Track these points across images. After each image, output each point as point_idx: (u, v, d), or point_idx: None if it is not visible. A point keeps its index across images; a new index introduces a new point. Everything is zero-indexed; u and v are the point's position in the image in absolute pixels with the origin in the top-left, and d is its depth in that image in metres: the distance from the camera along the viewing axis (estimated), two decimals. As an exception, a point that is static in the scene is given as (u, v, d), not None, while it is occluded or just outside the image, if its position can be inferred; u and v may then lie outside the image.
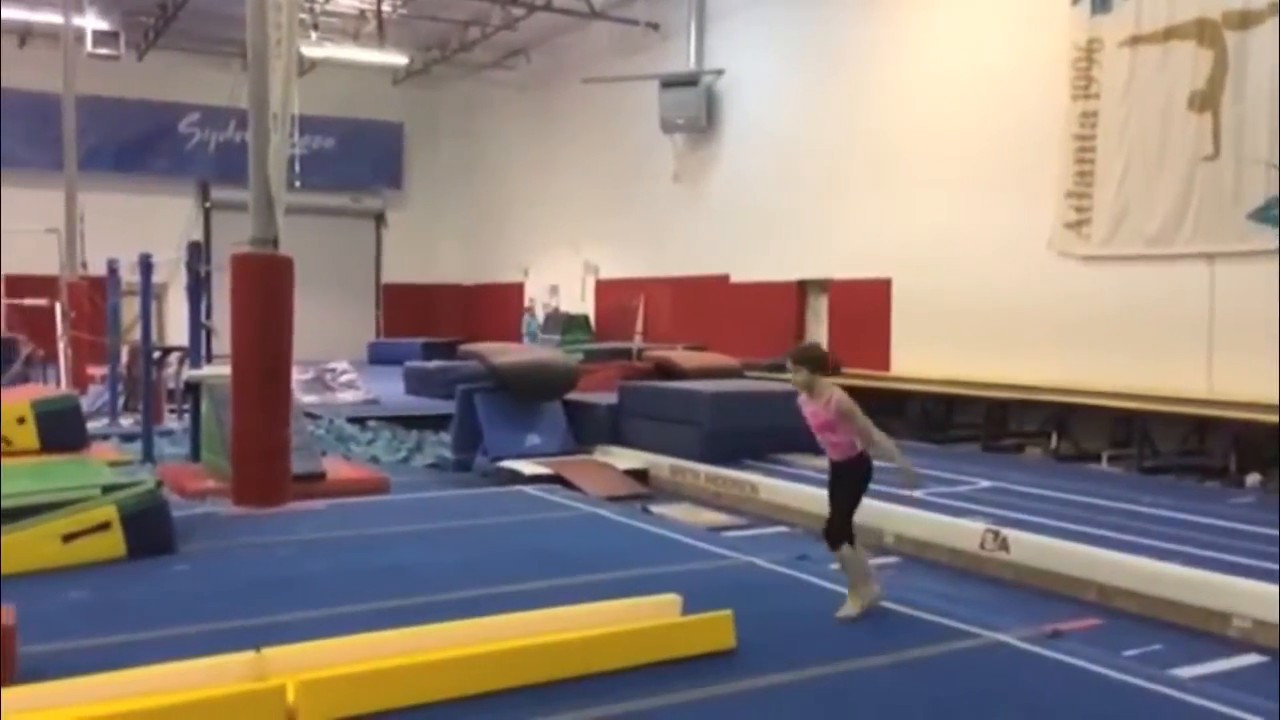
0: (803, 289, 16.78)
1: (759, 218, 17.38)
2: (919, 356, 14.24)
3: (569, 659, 3.98)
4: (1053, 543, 6.69)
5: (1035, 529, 7.00)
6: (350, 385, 15.77)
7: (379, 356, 24.01)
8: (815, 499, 8.26)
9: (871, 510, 7.70)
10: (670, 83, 18.57)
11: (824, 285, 16.38)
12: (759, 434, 10.03)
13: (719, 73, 18.34)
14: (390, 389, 16.46)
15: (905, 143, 14.72)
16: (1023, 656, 4.50)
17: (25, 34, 22.04)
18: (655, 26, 19.65)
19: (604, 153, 21.50)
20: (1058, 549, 6.59)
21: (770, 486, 8.86)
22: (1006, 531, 6.90)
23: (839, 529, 4.92)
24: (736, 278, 17.91)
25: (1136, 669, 4.43)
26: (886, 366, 14.71)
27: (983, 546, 6.94)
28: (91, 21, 19.38)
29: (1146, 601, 5.96)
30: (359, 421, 13.19)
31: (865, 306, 15.23)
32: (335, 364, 16.42)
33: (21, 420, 7.53)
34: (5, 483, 6.10)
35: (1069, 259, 12.45)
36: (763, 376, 12.54)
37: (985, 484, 9.00)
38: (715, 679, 4.06)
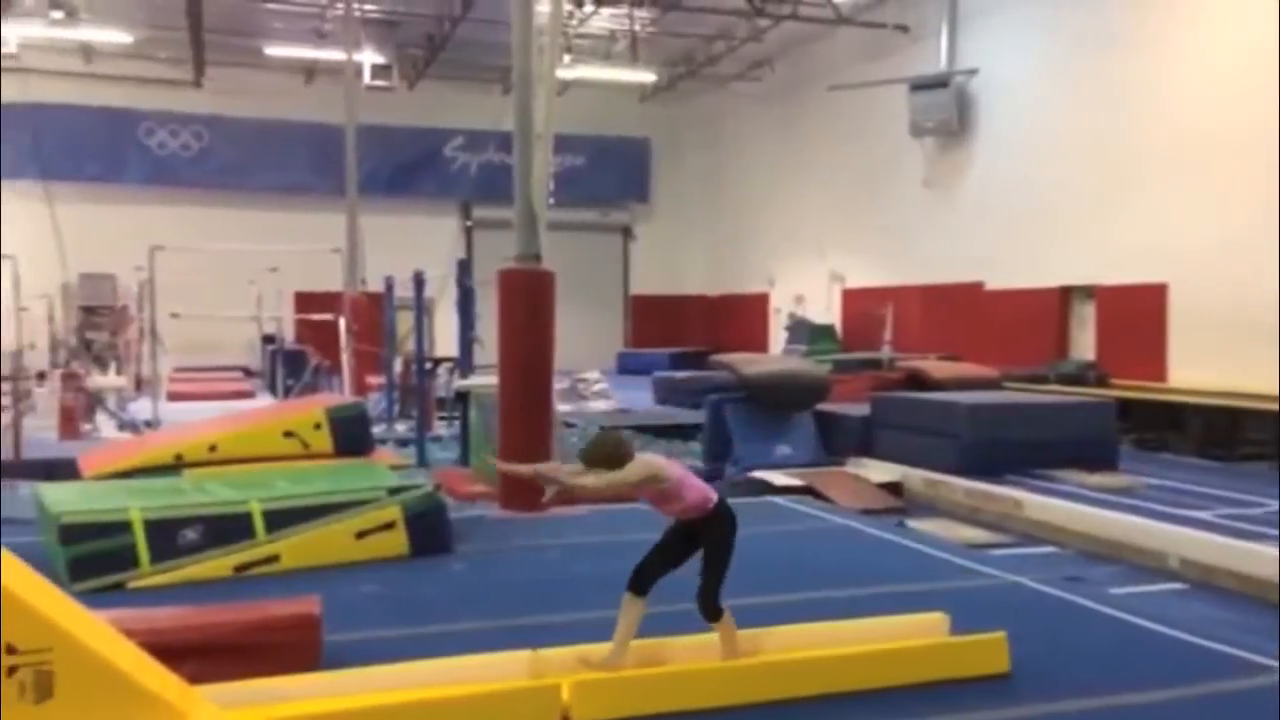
0: (1065, 295, 15.91)
1: (1016, 221, 16.62)
2: (1200, 366, 13.16)
3: (836, 674, 3.94)
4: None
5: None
6: (602, 394, 16.25)
7: (627, 366, 24.61)
8: (1087, 518, 7.86)
9: (1155, 532, 7.24)
10: (920, 85, 18.09)
11: (1089, 291, 15.46)
12: (1020, 447, 9.58)
13: (972, 73, 17.70)
14: (639, 398, 16.84)
15: (1179, 139, 13.68)
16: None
17: (310, 71, 24.10)
18: (904, 29, 19.20)
19: (850, 159, 21.19)
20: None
21: (1036, 503, 8.43)
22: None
23: (713, 596, 4.10)
24: (992, 284, 17.19)
25: None
26: (1162, 377, 13.70)
27: (1282, 575, 6.34)
28: (369, 56, 20.97)
29: None
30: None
31: (1137, 313, 14.25)
32: (587, 373, 16.94)
33: (317, 426, 8.22)
34: (306, 483, 6.68)
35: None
36: (1023, 388, 11.98)
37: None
38: (990, 703, 3.91)
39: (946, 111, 17.77)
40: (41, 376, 15.93)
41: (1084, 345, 15.49)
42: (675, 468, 4.15)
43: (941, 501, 9.38)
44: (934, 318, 18.48)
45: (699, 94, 26.36)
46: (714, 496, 4.17)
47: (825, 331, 20.61)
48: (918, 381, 12.31)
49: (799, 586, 5.69)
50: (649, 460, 4.08)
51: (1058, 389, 12.92)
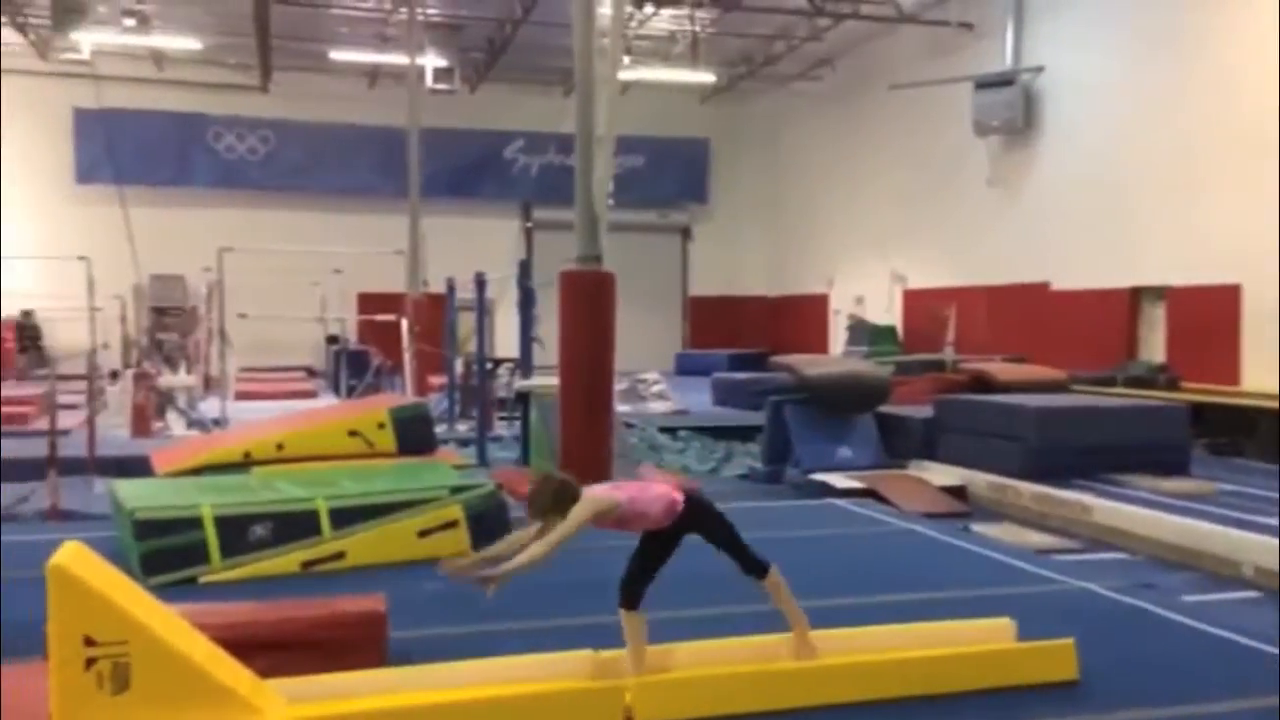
0: (1135, 296, 15.58)
1: (1083, 221, 16.32)
2: (1274, 369, 12.81)
3: (901, 678, 3.90)
4: None
5: None
6: (660, 395, 16.25)
7: (685, 368, 24.59)
8: (1158, 523, 7.69)
9: (1229, 539, 7.07)
10: (985, 84, 17.85)
11: (1159, 292, 15.14)
12: (1088, 452, 9.41)
13: (1038, 70, 17.42)
14: (697, 400, 16.82)
15: (1252, 136, 13.32)
16: None
17: (374, 75, 24.43)
18: (968, 26, 18.96)
19: (912, 159, 20.98)
20: None
21: (1106, 508, 8.27)
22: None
23: (750, 558, 4.13)
24: (1058, 285, 16.90)
25: None
26: (1235, 380, 13.36)
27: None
28: (431, 60, 21.20)
29: None
30: (670, 431, 13.56)
31: (1209, 315, 13.92)
32: (646, 374, 16.96)
33: (381, 425, 8.34)
34: (371, 481, 6.77)
35: None
36: (1091, 391, 11.76)
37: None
38: (1059, 711, 3.85)
39: (1012, 110, 17.51)
40: (114, 375, 16.33)
41: (1154, 347, 15.16)
42: (625, 489, 4.00)
43: (1007, 506, 9.25)
44: (998, 319, 18.21)
45: (758, 94, 26.26)
46: (680, 497, 4.01)
47: (886, 333, 20.41)
48: (982, 384, 12.15)
49: (862, 590, 5.64)
50: (593, 496, 3.89)
51: (1126, 392, 12.66)
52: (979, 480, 9.70)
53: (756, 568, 4.10)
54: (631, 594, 4.03)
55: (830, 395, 10.68)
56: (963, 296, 19.21)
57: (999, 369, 12.87)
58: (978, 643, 4.23)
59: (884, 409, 11.10)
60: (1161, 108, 14.89)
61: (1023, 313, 17.52)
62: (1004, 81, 17.63)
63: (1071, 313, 16.41)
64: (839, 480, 9.62)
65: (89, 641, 3.10)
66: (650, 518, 3.95)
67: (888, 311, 21.51)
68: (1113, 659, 4.41)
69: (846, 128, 23.55)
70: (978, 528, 8.23)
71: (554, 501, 3.83)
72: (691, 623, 4.77)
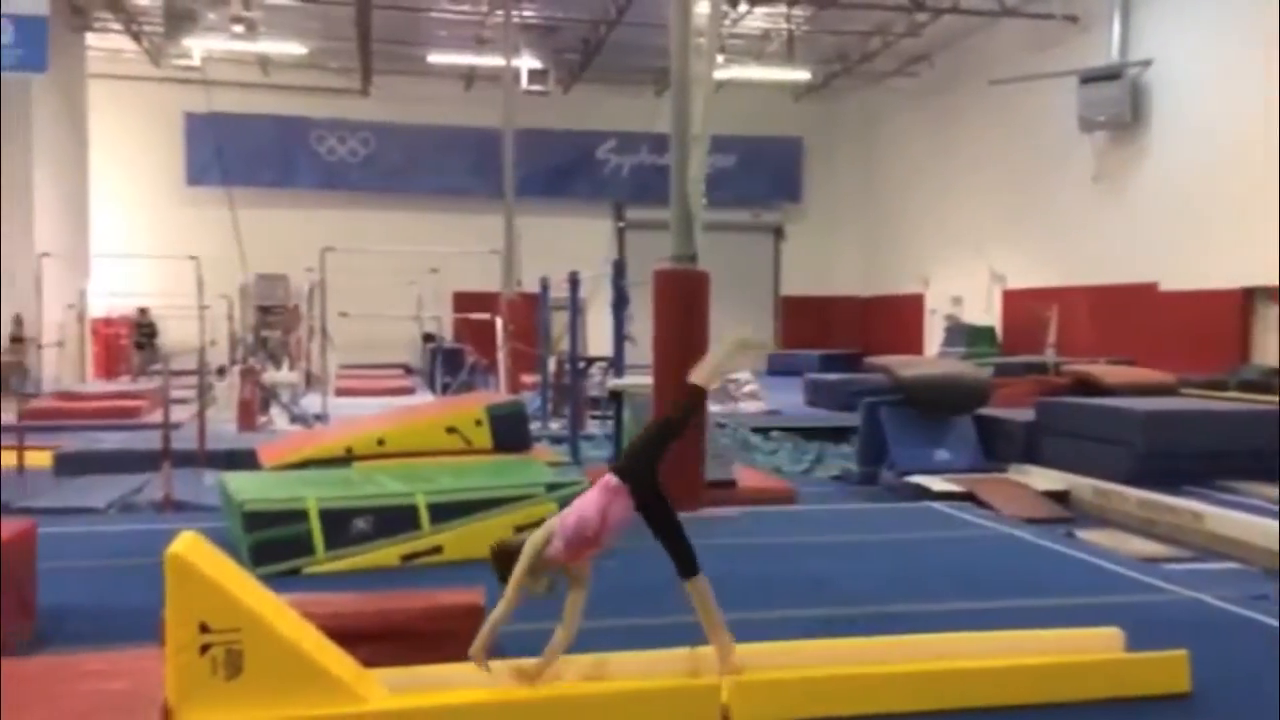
0: (1248, 297, 15.00)
1: (1193, 219, 15.77)
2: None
3: (1005, 686, 3.81)
4: None
5: None
6: (752, 395, 16.17)
7: (777, 368, 24.41)
8: (1274, 533, 7.38)
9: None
10: (1090, 78, 17.39)
11: (1273, 293, 14.54)
12: (1200, 457, 9.07)
13: (1146, 63, 16.89)
14: (789, 400, 16.69)
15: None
16: None
17: (470, 77, 24.80)
18: (1073, 19, 18.47)
19: (1012, 156, 20.52)
20: None
21: (1218, 516, 7.96)
22: None
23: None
24: (1167, 285, 16.36)
25: None
26: (1357, 385, 12.77)
27: None
28: (526, 62, 21.44)
29: None
30: (762, 431, 13.48)
31: (1328, 316, 13.35)
32: (737, 374, 16.88)
33: (478, 422, 8.44)
34: (468, 477, 6.88)
35: None
36: (1201, 395, 11.35)
37: None
38: (1171, 725, 3.72)
39: (1119, 104, 17.03)
40: (221, 371, 16.86)
41: (1268, 350, 14.58)
42: (563, 516, 3.80)
43: (1112, 512, 8.97)
44: (1103, 320, 17.70)
45: (854, 91, 25.97)
46: (611, 478, 3.82)
47: (984, 334, 20.01)
48: (1086, 386, 11.80)
49: (961, 595, 5.53)
50: (531, 540, 3.76)
51: (1239, 396, 12.18)
52: (1083, 485, 9.43)
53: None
54: (687, 562, 3.91)
55: (928, 397, 10.49)
56: (1065, 296, 18.72)
57: (1104, 371, 12.49)
58: (1085, 652, 4.11)
59: (983, 411, 10.87)
60: (1274, 100, 14.30)
61: (1129, 314, 17.01)
62: (1110, 75, 17.15)
63: (1180, 314, 15.88)
64: (936, 483, 9.44)
65: (204, 628, 3.20)
66: (600, 519, 3.74)
67: (986, 312, 21.08)
68: (1226, 673, 4.25)
69: (943, 124, 23.14)
70: (1082, 534, 8.01)
71: (503, 563, 3.78)
72: (774, 625, 4.74)
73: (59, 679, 3.49)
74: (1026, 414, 10.73)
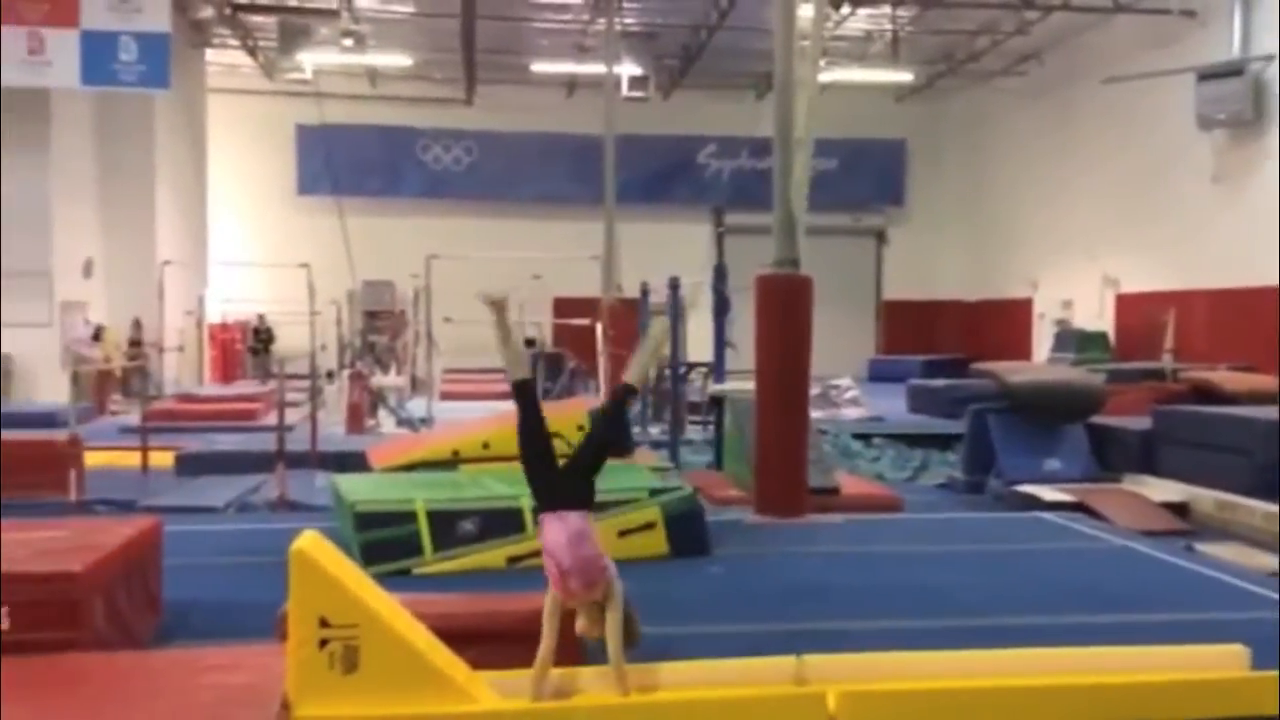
0: (1379, 301, 14.29)
1: (1321, 219, 15.07)
2: None
3: (1125, 704, 3.69)
4: None
5: None
6: (853, 401, 15.96)
7: (878, 373, 24.09)
8: None
9: None
10: (1209, 74, 16.78)
11: None
12: (1329, 470, 8.66)
13: (1268, 59, 16.21)
14: (891, 406, 16.43)
15: None
16: None
17: (571, 85, 25.06)
18: (1191, 14, 17.82)
19: (1126, 155, 19.88)
20: None
21: (1349, 531, 7.61)
22: None
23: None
24: (1294, 289, 15.66)
25: None
26: None
27: None
28: (627, 68, 21.58)
29: None
30: (864, 438, 13.30)
31: None
32: (838, 380, 16.70)
33: (581, 427, 8.46)
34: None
35: None
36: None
37: None
38: (1303, 749, 3.55)
39: (1240, 101, 16.40)
40: (330, 376, 17.33)
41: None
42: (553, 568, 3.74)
43: (1235, 525, 8.63)
44: (1224, 325, 17.04)
45: (959, 92, 25.51)
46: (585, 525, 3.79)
47: (1096, 339, 19.42)
48: (1206, 394, 11.41)
49: (1074, 608, 5.37)
50: (547, 600, 3.75)
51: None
52: (1203, 497, 9.10)
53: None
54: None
55: (1037, 403, 10.24)
56: (1183, 301, 18.07)
57: (1225, 378, 12.06)
58: (1208, 669, 3.95)
59: (1096, 419, 10.56)
60: None
61: (1252, 319, 16.31)
62: (1231, 71, 16.53)
63: (1308, 319, 15.17)
64: (1046, 493, 9.20)
65: (324, 623, 3.29)
66: (569, 553, 3.68)
67: (1099, 317, 20.47)
68: (1364, 695, 4.04)
69: (1053, 124, 22.56)
70: (1202, 547, 7.71)
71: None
72: (884, 634, 4.67)
73: (184, 672, 3.62)
74: (1142, 422, 10.40)
